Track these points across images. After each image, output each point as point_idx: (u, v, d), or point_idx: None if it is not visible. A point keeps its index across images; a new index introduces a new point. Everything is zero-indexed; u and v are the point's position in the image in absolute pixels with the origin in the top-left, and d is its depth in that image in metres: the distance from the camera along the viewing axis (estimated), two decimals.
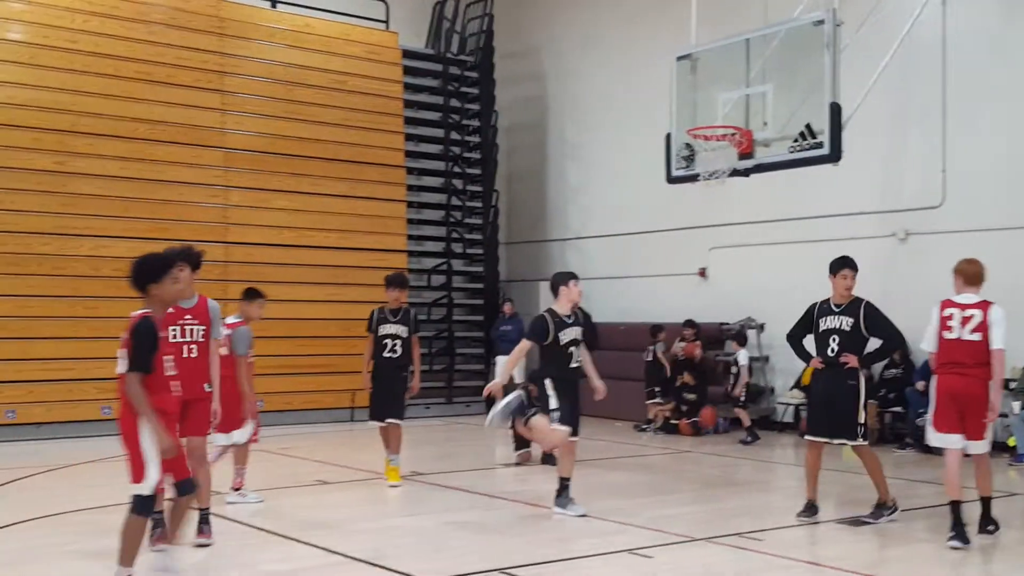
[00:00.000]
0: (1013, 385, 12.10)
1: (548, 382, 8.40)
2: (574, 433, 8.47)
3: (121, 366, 5.56)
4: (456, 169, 18.28)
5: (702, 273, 16.27)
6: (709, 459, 12.33)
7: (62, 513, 8.47)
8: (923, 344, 7.81)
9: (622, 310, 17.06)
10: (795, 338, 8.52)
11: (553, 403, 8.33)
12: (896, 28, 11.45)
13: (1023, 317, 12.34)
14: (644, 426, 14.79)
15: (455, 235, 18.23)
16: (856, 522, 8.14)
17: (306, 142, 16.09)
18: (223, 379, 7.39)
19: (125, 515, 5.65)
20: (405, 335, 9.92)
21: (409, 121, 17.60)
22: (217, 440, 8.35)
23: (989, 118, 12.85)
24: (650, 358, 14.75)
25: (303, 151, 16.05)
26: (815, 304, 8.39)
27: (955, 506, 7.35)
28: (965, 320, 7.48)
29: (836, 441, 8.27)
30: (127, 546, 5.60)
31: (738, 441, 13.43)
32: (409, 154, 17.53)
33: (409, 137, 17.58)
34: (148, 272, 5.69)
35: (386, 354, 9.88)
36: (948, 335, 7.51)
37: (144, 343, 5.51)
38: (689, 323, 14.72)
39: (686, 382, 14.40)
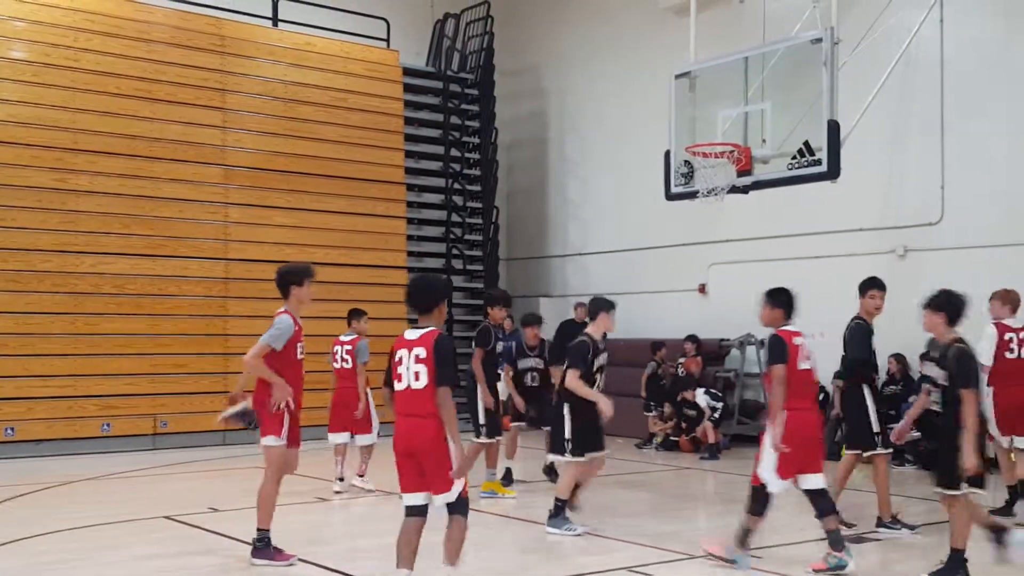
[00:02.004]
0: None
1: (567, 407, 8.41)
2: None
3: (420, 381, 5.73)
4: (456, 185, 18.33)
5: (702, 289, 16.29)
6: (710, 476, 12.31)
7: (63, 531, 8.47)
8: (981, 359, 8.35)
9: (622, 326, 16.82)
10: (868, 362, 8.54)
11: (567, 432, 8.36)
12: (894, 46, 11.48)
13: None
14: (645, 443, 14.78)
15: (455, 251, 18.26)
16: (858, 539, 8.13)
17: (306, 159, 16.14)
18: (350, 387, 10.30)
19: (448, 521, 5.89)
20: None
21: (409, 138, 17.66)
22: (336, 440, 10.47)
23: (987, 135, 12.87)
24: (650, 372, 14.82)
25: (303, 168, 16.10)
26: (864, 324, 8.50)
27: None
28: (1021, 342, 8.92)
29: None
30: (454, 547, 5.93)
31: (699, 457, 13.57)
32: (409, 171, 17.58)
33: (409, 154, 17.63)
34: (440, 293, 6.02)
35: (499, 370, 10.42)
36: (1010, 355, 8.89)
37: (452, 358, 5.80)
38: (691, 338, 14.75)
39: (687, 398, 14.38)
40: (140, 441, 14.09)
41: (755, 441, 14.64)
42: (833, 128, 10.07)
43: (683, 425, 14.38)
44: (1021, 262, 12.35)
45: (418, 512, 5.90)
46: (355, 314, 10.70)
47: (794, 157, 10.42)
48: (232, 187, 15.50)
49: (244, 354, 7.33)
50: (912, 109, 13.54)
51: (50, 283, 13.88)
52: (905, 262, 13.54)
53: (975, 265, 12.67)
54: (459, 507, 5.86)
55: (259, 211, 15.67)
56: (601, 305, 8.64)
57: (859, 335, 8.44)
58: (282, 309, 7.48)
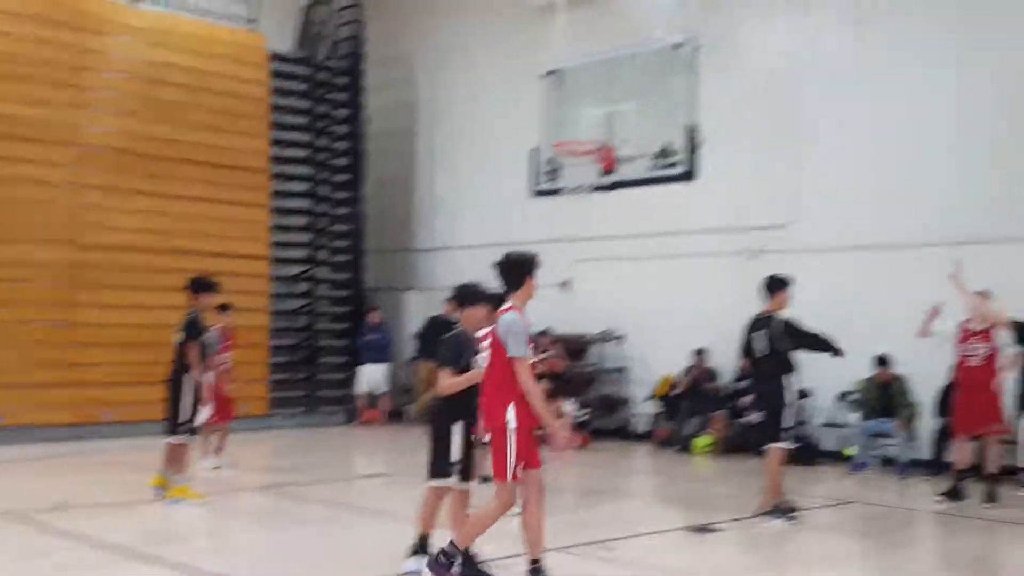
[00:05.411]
0: (853, 397, 12.67)
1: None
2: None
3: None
4: (323, 175, 18.06)
5: (566, 284, 16.45)
6: (566, 469, 12.49)
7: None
8: None
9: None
10: None
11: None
12: (755, 52, 11.86)
13: (867, 332, 12.98)
14: None
15: (321, 242, 17.99)
16: (704, 529, 8.40)
17: (168, 142, 15.57)
18: None
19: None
20: None
21: (276, 125, 17.30)
22: None
23: (841, 141, 13.33)
24: None
25: (165, 151, 15.53)
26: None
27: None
28: None
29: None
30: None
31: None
32: (276, 159, 17.21)
33: (276, 141, 17.26)
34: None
35: None
36: None
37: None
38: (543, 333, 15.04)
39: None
40: None
41: (614, 435, 15.01)
42: (691, 131, 10.39)
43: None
44: (872, 265, 12.94)
45: None
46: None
47: (654, 158, 10.71)
48: (87, 169, 14.82)
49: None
50: (770, 114, 13.95)
51: None
52: (757, 263, 13.96)
53: (826, 267, 13.23)
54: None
55: (116, 195, 15.02)
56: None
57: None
58: (508, 305, 6.37)
